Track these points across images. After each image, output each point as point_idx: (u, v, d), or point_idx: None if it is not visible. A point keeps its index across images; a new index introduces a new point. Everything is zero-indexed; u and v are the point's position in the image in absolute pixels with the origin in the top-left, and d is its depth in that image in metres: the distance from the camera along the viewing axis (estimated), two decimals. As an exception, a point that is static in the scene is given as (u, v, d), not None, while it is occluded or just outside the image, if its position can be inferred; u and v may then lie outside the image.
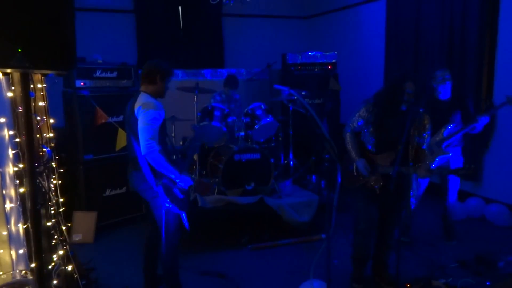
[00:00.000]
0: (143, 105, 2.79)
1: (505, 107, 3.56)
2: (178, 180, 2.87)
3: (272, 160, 4.47)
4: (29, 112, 1.74)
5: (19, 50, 1.47)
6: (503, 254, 3.55)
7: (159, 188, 2.84)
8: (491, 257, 3.48)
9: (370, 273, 3.34)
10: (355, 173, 3.08)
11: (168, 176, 2.84)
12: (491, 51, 4.65)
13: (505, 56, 4.53)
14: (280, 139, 5.19)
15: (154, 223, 3.01)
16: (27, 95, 1.73)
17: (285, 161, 5.23)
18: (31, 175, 1.79)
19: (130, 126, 2.87)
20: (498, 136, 4.63)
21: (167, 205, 2.87)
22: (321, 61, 6.03)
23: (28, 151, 1.76)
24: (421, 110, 2.93)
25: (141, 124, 2.75)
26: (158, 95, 2.95)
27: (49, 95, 2.86)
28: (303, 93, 4.82)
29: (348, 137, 3.08)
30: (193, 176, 4.50)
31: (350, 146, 3.06)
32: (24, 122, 1.74)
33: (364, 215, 3.11)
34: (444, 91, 3.81)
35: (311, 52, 6.08)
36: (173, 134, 4.56)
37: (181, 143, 4.93)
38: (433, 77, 3.87)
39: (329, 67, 6.04)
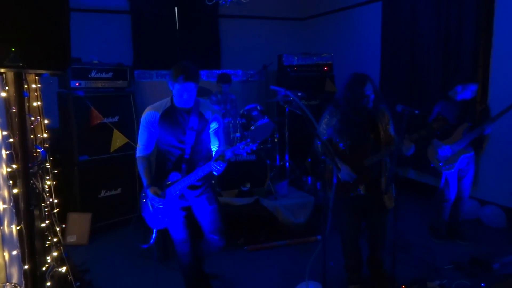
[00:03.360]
0: None
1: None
2: (145, 193, 2.81)
3: (268, 162, 4.47)
4: (22, 112, 1.72)
5: (13, 49, 1.46)
6: (498, 256, 3.56)
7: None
8: (486, 259, 3.49)
9: (367, 271, 3.35)
10: (341, 183, 2.99)
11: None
12: (486, 54, 4.66)
13: (500, 59, 4.55)
14: (276, 140, 5.19)
15: None
16: (21, 95, 1.71)
17: (281, 163, 5.23)
18: (24, 176, 1.77)
19: None
20: (493, 139, 4.65)
21: (142, 214, 2.87)
22: (317, 62, 6.04)
23: (22, 152, 1.74)
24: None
25: None
26: (175, 97, 2.72)
27: (44, 95, 2.85)
28: (299, 94, 4.82)
29: (321, 148, 2.94)
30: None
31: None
32: (18, 123, 1.72)
33: (348, 225, 3.13)
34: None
35: (307, 53, 6.09)
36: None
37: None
38: (464, 85, 3.89)
39: (325, 68, 6.05)
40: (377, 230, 3.19)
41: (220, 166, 2.55)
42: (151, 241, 2.84)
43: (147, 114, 2.72)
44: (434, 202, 4.20)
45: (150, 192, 2.69)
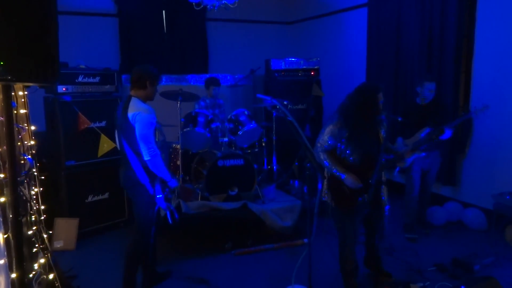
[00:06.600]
0: (140, 111, 2.89)
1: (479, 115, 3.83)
2: (168, 182, 3.02)
3: (255, 166, 4.50)
4: (11, 122, 1.73)
5: (1, 63, 1.47)
6: (479, 257, 3.67)
7: (157, 188, 2.97)
8: (467, 261, 3.59)
9: (367, 270, 3.46)
10: (348, 192, 2.99)
11: (162, 177, 2.99)
12: (468, 59, 4.79)
13: (481, 65, 4.67)
14: (264, 144, 5.24)
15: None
16: (9, 106, 1.72)
17: (269, 167, 5.28)
18: (12, 185, 1.78)
19: (124, 131, 2.94)
20: (475, 143, 4.77)
21: (159, 203, 3.00)
22: (304, 67, 6.11)
23: (10, 162, 1.75)
24: (399, 119, 3.03)
25: (140, 130, 2.87)
26: (148, 99, 3.08)
27: (31, 100, 2.85)
28: (285, 102, 4.88)
29: (322, 156, 2.97)
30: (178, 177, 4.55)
31: (329, 164, 2.96)
32: (6, 133, 1.73)
33: (350, 231, 3.11)
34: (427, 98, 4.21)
35: (294, 58, 6.16)
36: (156, 139, 4.59)
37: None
38: (421, 85, 4.20)
39: (312, 73, 6.12)
40: (375, 226, 3.28)
41: None
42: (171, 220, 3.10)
43: (153, 115, 2.91)
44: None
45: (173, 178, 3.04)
